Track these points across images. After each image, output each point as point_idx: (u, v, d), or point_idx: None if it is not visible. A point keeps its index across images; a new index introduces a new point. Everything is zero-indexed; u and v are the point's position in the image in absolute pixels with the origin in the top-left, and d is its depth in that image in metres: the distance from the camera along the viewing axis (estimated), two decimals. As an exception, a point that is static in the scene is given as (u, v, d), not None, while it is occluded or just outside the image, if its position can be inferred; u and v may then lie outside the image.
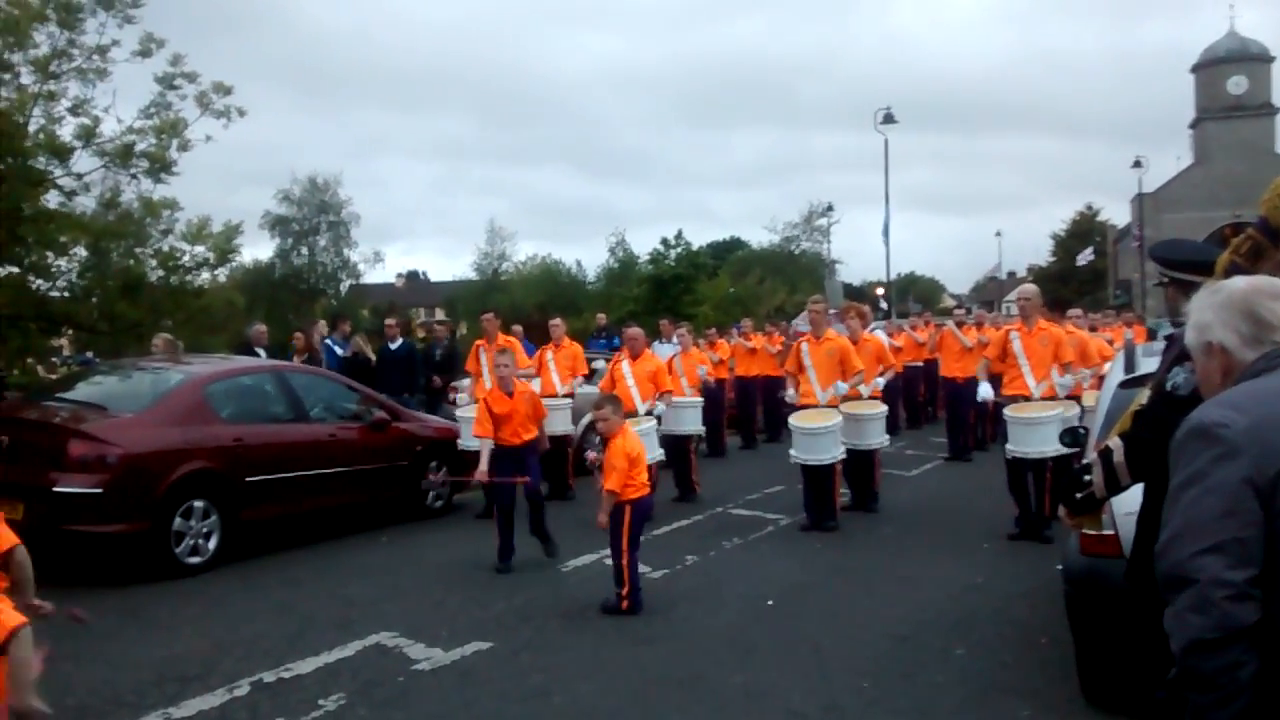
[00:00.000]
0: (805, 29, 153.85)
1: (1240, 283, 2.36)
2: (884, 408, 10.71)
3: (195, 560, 8.35)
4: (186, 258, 18.67)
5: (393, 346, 14.15)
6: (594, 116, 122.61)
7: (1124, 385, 5.84)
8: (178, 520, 8.24)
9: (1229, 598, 1.89)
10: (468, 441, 10.62)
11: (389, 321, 15.23)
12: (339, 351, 14.19)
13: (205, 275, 19.54)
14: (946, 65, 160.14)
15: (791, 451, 9.95)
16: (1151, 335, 15.42)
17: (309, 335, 14.86)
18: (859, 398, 10.45)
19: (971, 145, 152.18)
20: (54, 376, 16.88)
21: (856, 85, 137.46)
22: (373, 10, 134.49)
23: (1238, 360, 2.25)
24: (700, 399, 12.31)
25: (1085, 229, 67.95)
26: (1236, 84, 50.67)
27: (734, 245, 64.61)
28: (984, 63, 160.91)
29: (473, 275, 62.73)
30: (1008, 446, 9.26)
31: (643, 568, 7.54)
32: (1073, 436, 5.37)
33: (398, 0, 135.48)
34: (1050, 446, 8.83)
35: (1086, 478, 3.61)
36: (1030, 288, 10.33)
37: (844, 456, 9.95)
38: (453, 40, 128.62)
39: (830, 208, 54.47)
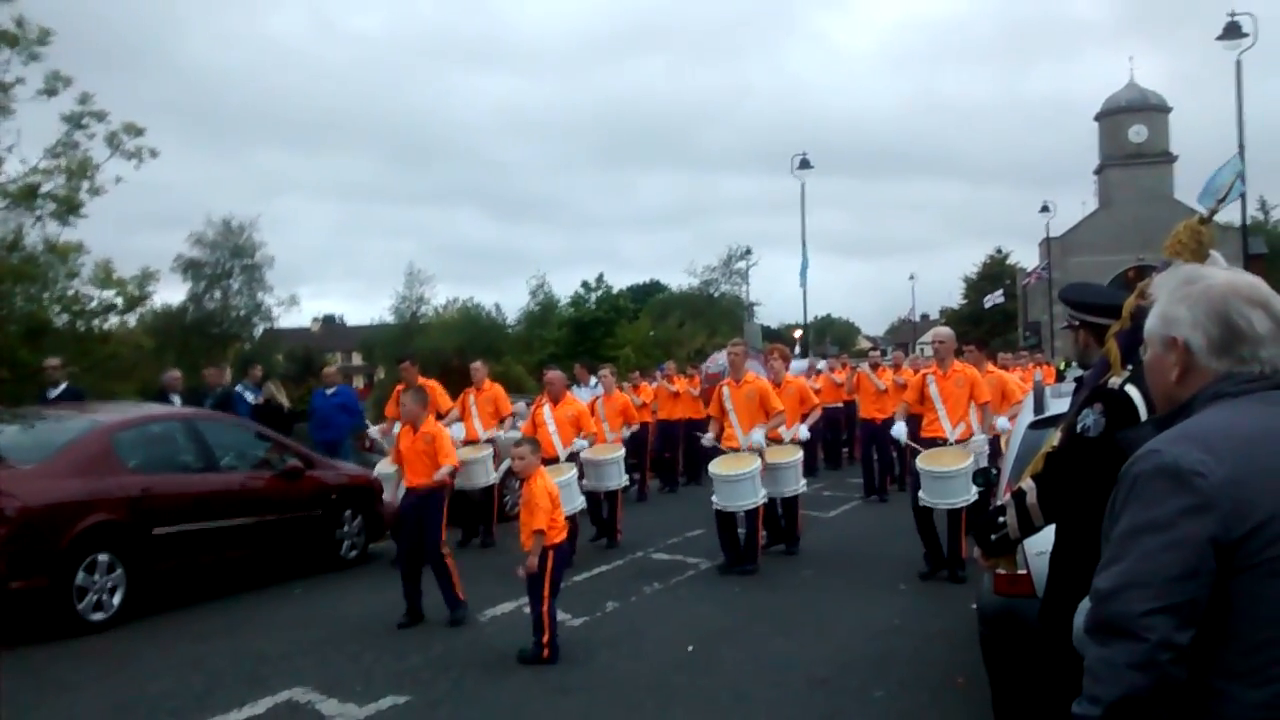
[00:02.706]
0: (700, 73, 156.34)
1: (1219, 280, 2.14)
2: (799, 453, 10.71)
3: (99, 616, 8.07)
4: (95, 302, 18.25)
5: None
6: (500, 159, 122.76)
7: (1033, 426, 5.92)
8: (80, 575, 7.95)
9: (1173, 660, 1.84)
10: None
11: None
12: (250, 399, 13.89)
13: (113, 320, 19.10)
14: (845, 111, 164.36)
15: (713, 498, 9.95)
16: (1059, 376, 15.78)
17: (220, 374, 14.52)
18: (780, 440, 10.50)
19: (880, 190, 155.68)
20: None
21: (757, 129, 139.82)
22: (260, 52, 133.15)
23: (1200, 365, 2.08)
24: (621, 450, 12.16)
25: (995, 271, 69.57)
26: (1137, 132, 52.56)
27: (654, 288, 64.96)
28: (884, 109, 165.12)
29: (390, 319, 62.04)
30: (920, 494, 9.34)
31: (562, 615, 7.46)
32: (984, 478, 5.44)
33: (286, 41, 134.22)
34: (961, 498, 9.00)
35: (1001, 519, 3.65)
36: (944, 330, 10.51)
37: (765, 501, 9.98)
38: (348, 83, 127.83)
39: (749, 251, 54.95)
